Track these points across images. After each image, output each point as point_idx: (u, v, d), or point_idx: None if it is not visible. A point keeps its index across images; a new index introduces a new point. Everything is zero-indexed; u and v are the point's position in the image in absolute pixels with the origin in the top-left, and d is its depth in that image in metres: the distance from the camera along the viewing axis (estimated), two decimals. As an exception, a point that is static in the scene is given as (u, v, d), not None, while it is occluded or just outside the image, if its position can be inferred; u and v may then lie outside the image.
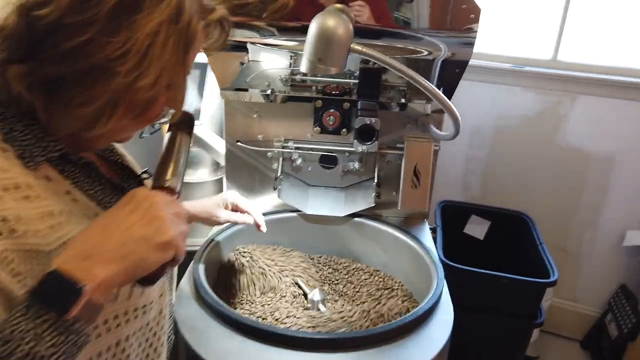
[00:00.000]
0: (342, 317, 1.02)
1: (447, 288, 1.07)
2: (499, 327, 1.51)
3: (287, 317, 1.02)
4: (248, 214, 1.10)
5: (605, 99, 1.90)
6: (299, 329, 0.99)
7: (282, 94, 1.21)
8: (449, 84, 1.12)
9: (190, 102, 1.25)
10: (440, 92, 0.94)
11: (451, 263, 1.42)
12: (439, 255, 1.30)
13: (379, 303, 1.08)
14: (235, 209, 1.09)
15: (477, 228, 1.82)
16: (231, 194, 1.10)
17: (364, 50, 0.87)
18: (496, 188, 2.13)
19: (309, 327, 1.01)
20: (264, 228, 1.11)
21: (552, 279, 1.45)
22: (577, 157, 2.00)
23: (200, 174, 1.40)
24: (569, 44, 1.94)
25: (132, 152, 0.77)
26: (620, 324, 1.94)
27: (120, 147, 0.74)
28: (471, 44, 1.05)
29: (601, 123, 1.94)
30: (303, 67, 0.89)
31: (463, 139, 2.07)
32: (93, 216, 0.57)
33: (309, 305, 1.09)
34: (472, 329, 1.54)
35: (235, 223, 1.12)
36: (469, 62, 1.08)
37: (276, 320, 1.02)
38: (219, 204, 1.07)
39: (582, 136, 1.97)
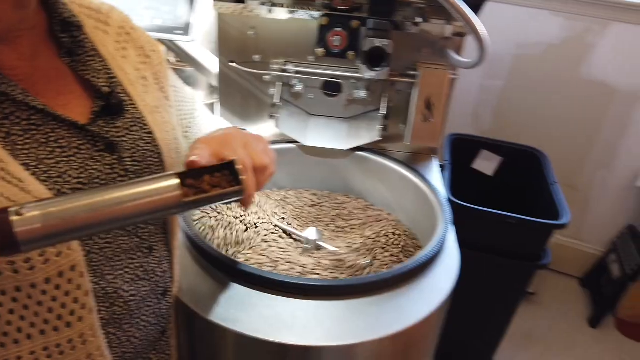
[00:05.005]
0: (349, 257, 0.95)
1: (454, 232, 0.99)
2: (501, 268, 1.46)
3: (287, 262, 0.95)
4: None
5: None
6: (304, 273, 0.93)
7: (282, 8, 1.07)
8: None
9: (179, 15, 1.10)
10: (467, 8, 0.81)
11: (458, 202, 1.33)
12: (448, 195, 1.22)
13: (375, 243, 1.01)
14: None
15: (487, 163, 1.72)
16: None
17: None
18: (509, 122, 2.01)
19: (325, 270, 0.94)
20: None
21: (562, 221, 1.37)
22: (599, 91, 1.86)
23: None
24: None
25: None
26: (624, 265, 1.90)
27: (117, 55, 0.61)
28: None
29: (632, 55, 1.78)
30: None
31: (478, 67, 1.92)
32: None
33: (308, 246, 1.02)
34: (473, 268, 1.49)
35: None
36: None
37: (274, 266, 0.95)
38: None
39: (608, 69, 1.82)
